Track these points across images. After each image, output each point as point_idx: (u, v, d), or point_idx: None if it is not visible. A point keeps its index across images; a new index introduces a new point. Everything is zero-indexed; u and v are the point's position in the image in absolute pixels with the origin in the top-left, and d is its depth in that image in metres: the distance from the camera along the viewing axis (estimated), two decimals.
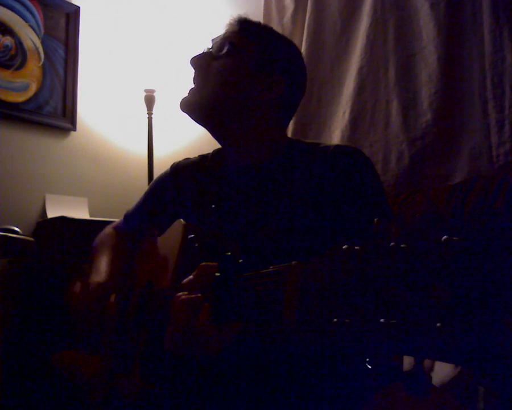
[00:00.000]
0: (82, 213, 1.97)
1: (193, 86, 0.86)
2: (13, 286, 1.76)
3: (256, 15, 2.14)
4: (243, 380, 0.70)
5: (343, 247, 0.35)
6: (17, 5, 1.95)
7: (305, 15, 1.98)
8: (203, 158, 0.95)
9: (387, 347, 0.30)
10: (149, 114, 2.15)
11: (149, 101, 2.14)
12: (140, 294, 0.77)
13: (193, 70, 0.87)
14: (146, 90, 2.13)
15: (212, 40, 0.89)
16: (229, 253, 0.53)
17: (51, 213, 1.91)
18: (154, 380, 0.66)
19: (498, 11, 1.35)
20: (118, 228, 1.04)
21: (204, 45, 0.89)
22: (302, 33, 1.98)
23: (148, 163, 2.12)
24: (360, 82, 1.75)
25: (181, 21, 2.29)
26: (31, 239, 1.39)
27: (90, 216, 1.96)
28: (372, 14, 1.73)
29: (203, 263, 0.56)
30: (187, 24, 2.30)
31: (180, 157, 1.00)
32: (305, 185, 0.77)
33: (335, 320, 0.34)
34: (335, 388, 0.69)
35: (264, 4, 2.17)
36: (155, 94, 2.14)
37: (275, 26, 2.12)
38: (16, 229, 1.53)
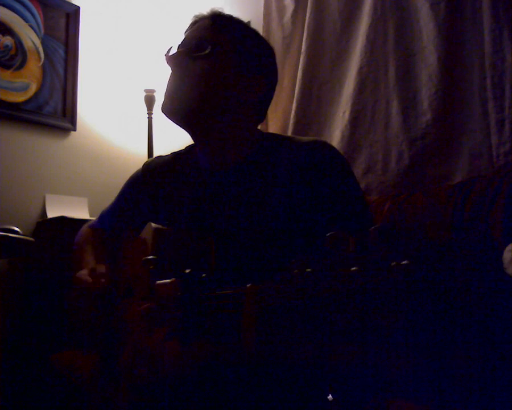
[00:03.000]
0: (82, 213, 1.97)
1: (170, 88, 0.82)
2: (13, 286, 1.76)
3: (256, 15, 2.14)
4: (236, 386, 0.69)
5: (295, 271, 0.33)
6: (17, 5, 1.95)
7: (305, 15, 1.98)
8: (176, 155, 0.93)
9: (348, 380, 0.29)
10: (149, 114, 2.15)
11: (149, 101, 2.14)
12: (121, 301, 0.75)
13: (170, 69, 0.83)
14: (146, 90, 2.13)
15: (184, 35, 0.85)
16: (188, 270, 0.51)
17: (51, 213, 1.91)
18: (139, 392, 0.64)
19: (498, 11, 1.35)
20: (94, 228, 1.02)
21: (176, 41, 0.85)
22: (302, 33, 1.98)
23: None
24: (360, 82, 1.75)
25: (181, 21, 2.29)
26: (31, 239, 1.39)
27: (90, 216, 1.96)
28: (372, 14, 1.73)
29: (173, 279, 0.54)
30: (187, 24, 2.30)
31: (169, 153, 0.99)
32: (280, 183, 0.76)
33: (290, 350, 0.32)
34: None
35: (264, 4, 2.17)
36: (155, 94, 2.14)
37: (275, 26, 2.12)
38: (16, 229, 1.53)
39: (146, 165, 0.95)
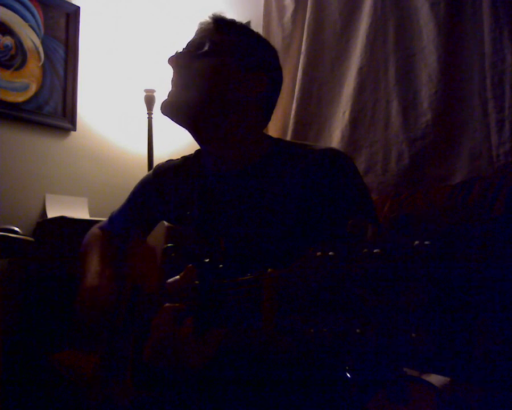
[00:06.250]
0: (82, 213, 1.97)
1: (171, 88, 0.83)
2: (13, 286, 1.76)
3: (256, 15, 2.14)
4: (237, 384, 0.69)
5: (317, 253, 0.34)
6: (17, 5, 1.95)
7: (305, 15, 1.98)
8: (186, 159, 0.94)
9: (365, 358, 0.30)
10: (149, 114, 2.15)
11: (149, 101, 2.14)
12: (129, 299, 0.76)
13: (172, 71, 0.84)
14: (146, 90, 2.13)
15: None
16: (207, 260, 0.52)
17: (51, 213, 1.91)
18: (145, 386, 0.64)
19: (498, 11, 1.35)
20: (103, 229, 1.03)
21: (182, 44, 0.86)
22: (302, 33, 1.98)
23: (148, 163, 2.12)
24: (360, 82, 1.75)
25: (181, 21, 2.30)
26: (31, 239, 1.39)
27: (90, 216, 1.96)
28: (372, 14, 1.73)
29: (190, 266, 0.55)
30: (187, 24, 2.30)
31: (179, 157, 0.99)
32: (289, 189, 0.76)
33: (312, 330, 0.33)
34: (330, 390, 0.69)
35: (264, 4, 2.17)
36: (154, 94, 2.14)
37: (275, 26, 2.12)
38: (16, 229, 1.53)
39: (157, 169, 0.96)
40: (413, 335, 0.27)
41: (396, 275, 0.28)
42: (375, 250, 0.30)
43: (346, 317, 0.31)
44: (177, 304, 0.54)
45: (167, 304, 0.55)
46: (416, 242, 0.28)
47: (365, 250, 0.30)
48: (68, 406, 1.39)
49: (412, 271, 0.28)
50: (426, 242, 0.27)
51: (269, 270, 0.41)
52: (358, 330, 0.30)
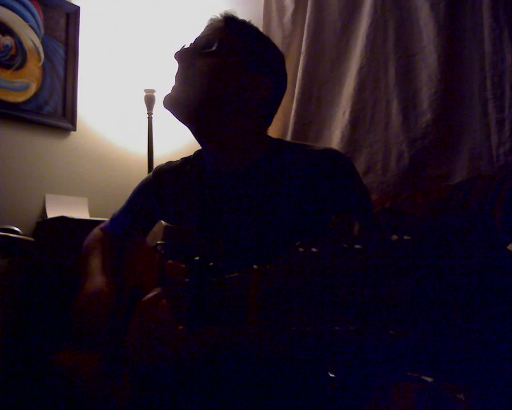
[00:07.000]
0: (82, 213, 1.97)
1: (175, 83, 0.83)
2: (13, 286, 1.76)
3: (256, 15, 2.14)
4: (229, 383, 0.69)
5: (300, 249, 0.34)
6: (17, 5, 1.95)
7: (305, 15, 1.98)
8: (185, 161, 0.94)
9: (347, 356, 0.29)
10: (149, 114, 2.15)
11: (149, 101, 2.14)
12: (129, 299, 0.76)
13: (177, 65, 0.84)
14: (146, 90, 2.13)
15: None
16: (197, 258, 0.52)
17: (51, 213, 1.91)
18: (145, 386, 0.64)
19: (498, 11, 1.35)
20: (104, 231, 1.03)
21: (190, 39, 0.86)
22: (302, 33, 1.98)
23: (148, 163, 2.12)
24: (360, 82, 1.75)
25: (181, 21, 2.30)
26: (31, 239, 1.39)
27: (90, 216, 1.96)
28: (372, 14, 1.73)
29: (181, 265, 0.55)
30: (187, 24, 2.30)
31: (179, 157, 1.00)
32: (288, 189, 0.76)
33: (293, 328, 0.33)
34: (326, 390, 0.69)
35: (264, 4, 2.17)
36: (155, 94, 2.14)
37: (275, 26, 2.12)
38: (16, 229, 1.53)
39: (157, 170, 0.96)
40: (392, 332, 0.27)
41: (376, 270, 0.28)
42: (355, 246, 0.30)
43: (329, 314, 0.31)
44: (152, 294, 0.54)
45: (144, 298, 0.55)
46: (395, 236, 0.28)
47: (345, 245, 0.30)
48: (68, 406, 1.39)
49: (392, 266, 0.27)
50: (405, 237, 0.27)
51: (254, 266, 0.41)
52: (337, 328, 0.30)
